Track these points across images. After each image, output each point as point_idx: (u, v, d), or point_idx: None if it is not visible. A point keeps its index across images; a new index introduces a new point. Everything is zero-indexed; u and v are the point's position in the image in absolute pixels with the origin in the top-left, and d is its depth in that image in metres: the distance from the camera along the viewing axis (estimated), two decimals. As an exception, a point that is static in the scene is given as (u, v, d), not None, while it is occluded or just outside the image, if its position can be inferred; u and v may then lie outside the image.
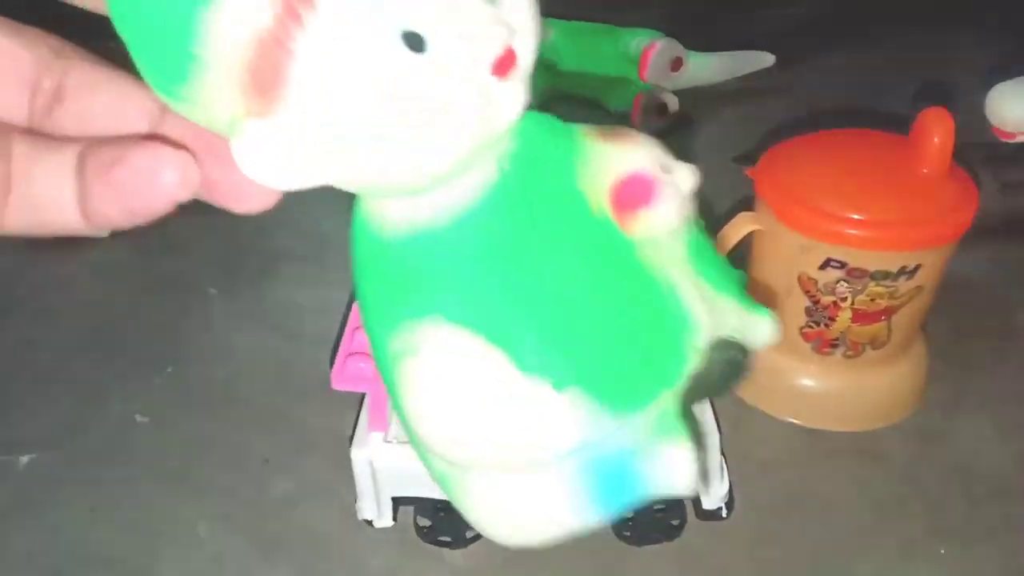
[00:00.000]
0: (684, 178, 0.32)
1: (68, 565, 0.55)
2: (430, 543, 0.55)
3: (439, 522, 0.54)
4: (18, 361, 0.72)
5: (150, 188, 0.22)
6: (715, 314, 0.34)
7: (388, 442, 0.51)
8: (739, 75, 1.04)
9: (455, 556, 0.55)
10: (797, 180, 0.57)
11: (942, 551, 0.55)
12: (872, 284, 0.56)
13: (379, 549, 0.55)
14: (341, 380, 0.49)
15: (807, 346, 0.61)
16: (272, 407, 0.66)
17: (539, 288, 0.30)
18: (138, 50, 0.22)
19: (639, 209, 0.31)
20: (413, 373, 0.29)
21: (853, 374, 0.61)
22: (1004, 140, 0.56)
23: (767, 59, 1.05)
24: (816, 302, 0.58)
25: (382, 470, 0.51)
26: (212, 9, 0.20)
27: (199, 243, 0.86)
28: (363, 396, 0.54)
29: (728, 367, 0.35)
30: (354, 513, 0.56)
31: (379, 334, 0.30)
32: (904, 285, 0.56)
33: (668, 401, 0.33)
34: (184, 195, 0.22)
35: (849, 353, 0.60)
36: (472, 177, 0.28)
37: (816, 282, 0.57)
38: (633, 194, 0.31)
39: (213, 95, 0.22)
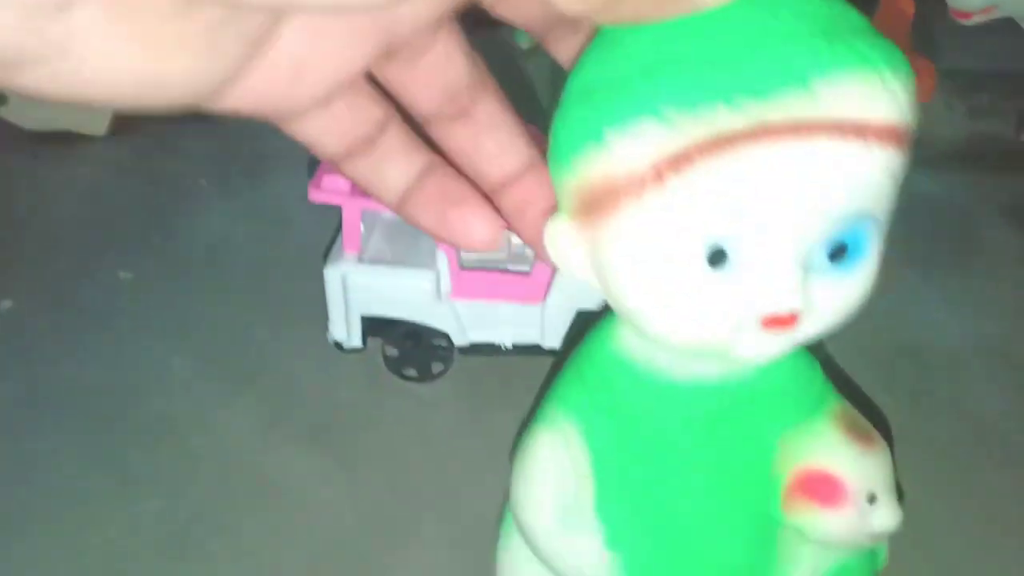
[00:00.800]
0: (882, 517, 0.33)
1: (40, 392, 0.57)
2: (397, 375, 0.56)
3: (406, 353, 0.56)
4: (13, 235, 0.74)
5: (459, 238, 0.28)
6: None
7: (361, 261, 0.53)
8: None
9: (422, 389, 0.57)
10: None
11: (889, 403, 0.56)
12: (831, 152, 0.58)
13: (348, 381, 0.57)
14: (318, 192, 0.51)
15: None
16: (257, 274, 0.68)
17: (664, 483, 0.33)
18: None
19: (811, 503, 0.33)
20: (537, 434, 0.35)
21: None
22: (962, 21, 0.59)
23: None
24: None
25: (353, 287, 0.53)
26: (614, 134, 0.25)
27: (195, 145, 0.88)
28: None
29: None
30: (327, 356, 0.58)
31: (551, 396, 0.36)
32: (862, 154, 0.59)
33: None
34: (486, 249, 0.29)
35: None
36: (708, 367, 0.31)
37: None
38: (816, 489, 0.33)
39: (565, 184, 0.28)
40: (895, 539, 0.42)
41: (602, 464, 0.33)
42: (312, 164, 0.57)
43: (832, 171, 0.25)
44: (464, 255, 0.53)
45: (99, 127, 0.88)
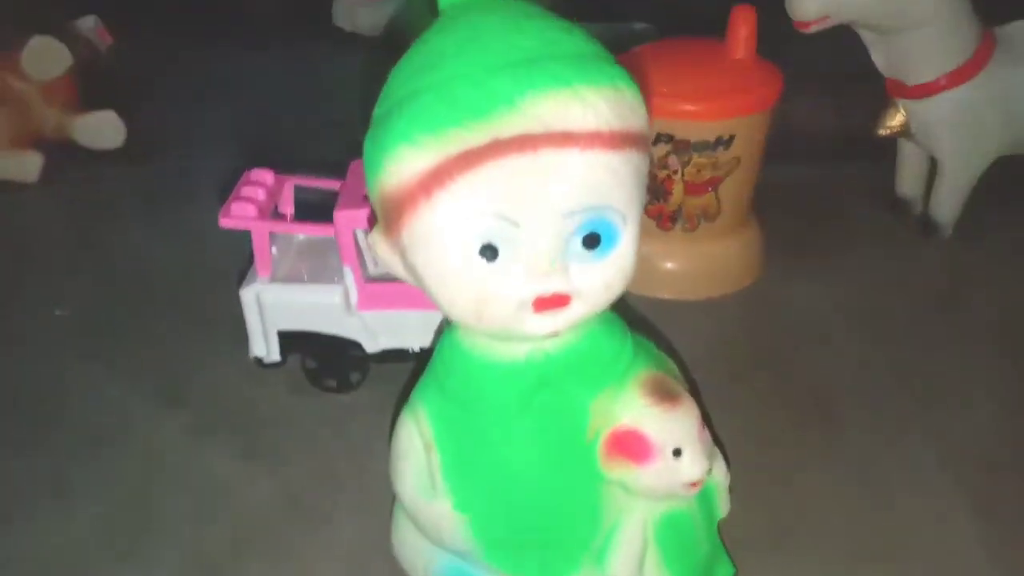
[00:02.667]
0: (689, 468, 0.38)
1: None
2: (316, 386, 0.61)
3: (325, 365, 0.61)
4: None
5: None
6: None
7: (273, 281, 0.58)
8: (623, 44, 1.15)
9: (341, 397, 0.62)
10: (635, 72, 0.66)
11: (760, 376, 0.63)
12: (696, 155, 0.65)
13: (271, 393, 0.62)
14: (227, 219, 0.56)
15: (651, 223, 0.70)
16: (181, 298, 0.73)
17: (495, 452, 0.39)
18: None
19: (625, 459, 0.38)
20: (399, 418, 0.42)
21: (692, 247, 0.70)
22: (803, 30, 0.66)
23: (649, 30, 1.17)
24: (653, 178, 0.67)
25: (268, 305, 0.58)
26: (386, 159, 0.33)
27: (120, 186, 0.92)
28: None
29: None
30: (251, 371, 0.62)
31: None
32: (723, 155, 0.65)
33: None
34: None
35: (687, 226, 0.70)
36: (514, 347, 0.38)
37: (651, 157, 0.66)
38: (626, 446, 0.38)
39: (373, 202, 0.35)
40: (748, 497, 0.49)
41: (445, 439, 0.39)
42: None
43: (559, 174, 0.32)
44: (368, 269, 0.59)
45: (32, 174, 0.92)
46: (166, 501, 0.54)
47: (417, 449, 0.41)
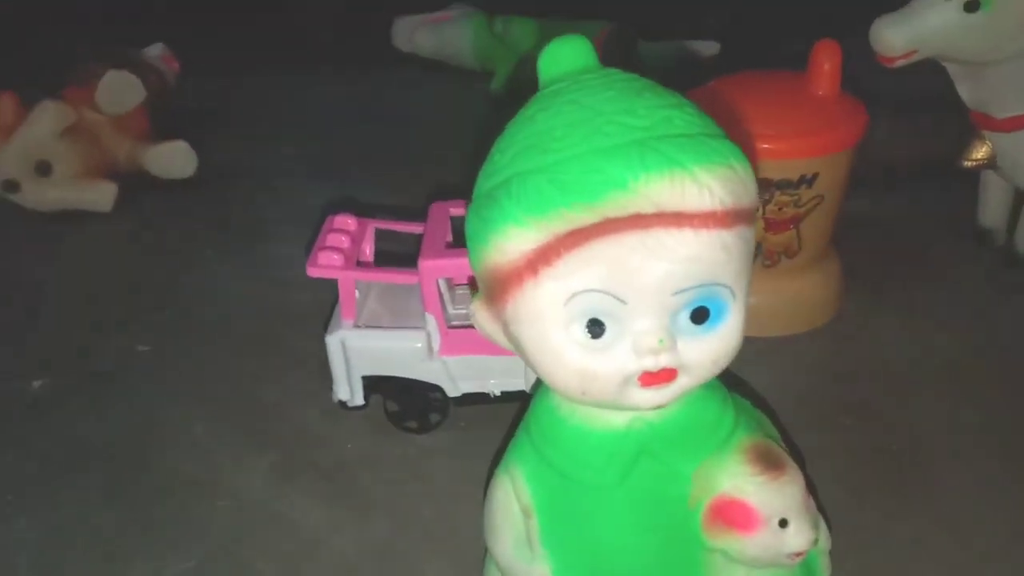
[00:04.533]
0: (795, 539, 0.38)
1: (77, 461, 0.62)
2: (398, 428, 0.62)
3: (406, 407, 0.61)
4: (37, 316, 0.80)
5: None
6: None
7: (357, 327, 0.59)
8: (687, 61, 1.14)
9: (422, 438, 0.62)
10: (712, 109, 0.65)
11: (847, 422, 0.62)
12: (778, 193, 0.64)
13: (354, 435, 0.62)
14: (314, 268, 0.57)
15: (730, 259, 0.69)
16: (261, 336, 0.74)
17: (594, 520, 0.38)
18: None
19: (729, 529, 0.38)
20: (495, 478, 0.42)
21: (772, 282, 0.69)
22: (887, 65, 0.65)
23: (712, 47, 1.15)
24: (734, 215, 0.66)
25: (352, 350, 0.58)
26: (493, 237, 0.33)
27: (194, 214, 0.94)
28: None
29: None
30: (333, 412, 0.63)
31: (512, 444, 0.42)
32: (806, 193, 0.64)
33: None
34: None
35: (767, 263, 0.68)
36: (616, 416, 0.37)
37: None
38: (731, 516, 0.37)
39: (477, 275, 0.35)
40: (843, 551, 0.47)
41: (543, 503, 0.39)
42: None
43: (671, 253, 0.32)
44: (450, 315, 0.59)
45: (106, 204, 0.94)
46: (254, 551, 0.54)
47: (515, 512, 0.40)
